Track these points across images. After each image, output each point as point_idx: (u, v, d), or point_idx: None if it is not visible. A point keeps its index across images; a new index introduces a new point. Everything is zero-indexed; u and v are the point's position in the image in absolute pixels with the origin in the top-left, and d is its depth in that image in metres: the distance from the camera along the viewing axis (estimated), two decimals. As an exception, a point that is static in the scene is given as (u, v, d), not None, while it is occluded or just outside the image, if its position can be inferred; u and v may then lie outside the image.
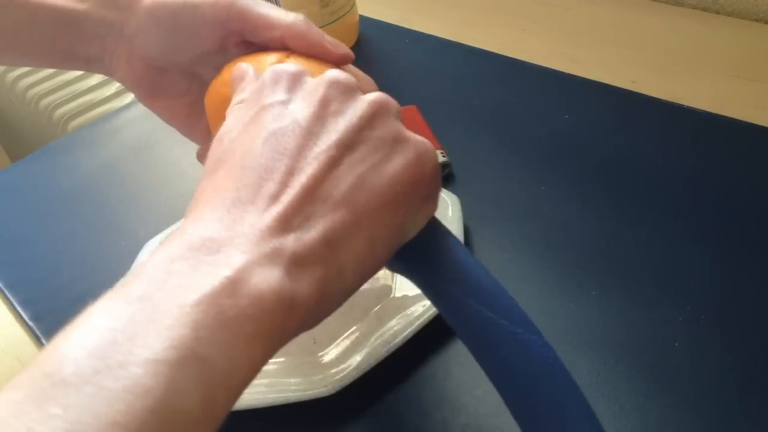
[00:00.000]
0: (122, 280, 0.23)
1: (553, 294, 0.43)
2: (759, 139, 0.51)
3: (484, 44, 0.68)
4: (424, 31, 0.72)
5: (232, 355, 0.21)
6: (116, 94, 0.98)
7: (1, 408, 0.18)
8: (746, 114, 0.53)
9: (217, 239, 0.23)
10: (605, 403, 0.37)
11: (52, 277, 0.53)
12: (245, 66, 0.34)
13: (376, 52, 0.71)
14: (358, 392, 0.39)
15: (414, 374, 0.40)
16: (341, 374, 0.39)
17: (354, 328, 0.41)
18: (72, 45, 0.39)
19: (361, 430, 0.38)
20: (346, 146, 0.27)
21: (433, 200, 0.30)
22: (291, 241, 0.24)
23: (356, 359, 0.39)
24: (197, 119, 0.41)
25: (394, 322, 0.41)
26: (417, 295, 0.42)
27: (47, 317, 0.50)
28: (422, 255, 0.30)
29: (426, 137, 0.55)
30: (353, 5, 0.71)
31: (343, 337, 0.41)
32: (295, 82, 0.29)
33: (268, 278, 0.23)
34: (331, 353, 0.40)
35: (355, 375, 0.39)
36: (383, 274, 0.44)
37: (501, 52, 0.66)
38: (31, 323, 0.49)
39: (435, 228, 0.31)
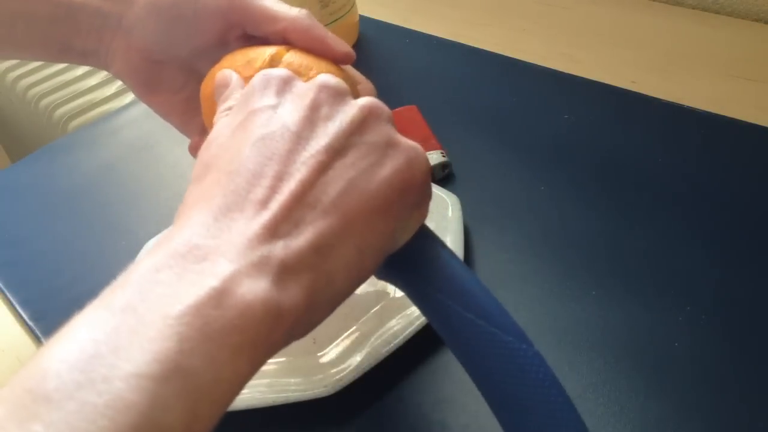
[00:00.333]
0: (109, 287, 0.22)
1: (553, 294, 0.43)
2: (759, 139, 0.51)
3: (484, 44, 0.68)
4: (424, 31, 0.72)
5: (216, 367, 0.20)
6: (116, 94, 0.98)
7: None
8: (746, 114, 0.53)
9: (203, 247, 0.23)
10: (605, 403, 0.37)
11: (52, 277, 0.53)
12: (228, 72, 0.33)
13: (376, 52, 0.71)
14: (358, 392, 0.39)
15: (414, 374, 0.40)
16: (341, 374, 0.39)
17: (354, 328, 0.41)
18: (68, 37, 0.38)
19: (361, 430, 0.38)
20: (336, 151, 0.26)
21: (423, 207, 0.29)
22: (279, 249, 0.23)
23: (356, 359, 0.39)
24: (194, 114, 0.41)
25: (394, 322, 0.41)
26: (417, 295, 0.42)
27: (47, 317, 0.50)
28: (413, 263, 0.29)
29: (426, 137, 0.55)
30: (353, 5, 0.71)
31: (343, 337, 0.41)
32: (284, 86, 0.29)
33: (255, 288, 0.22)
34: (331, 353, 0.40)
35: (355, 375, 0.39)
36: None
37: (501, 52, 0.66)
38: (31, 323, 0.49)
39: (426, 236, 0.30)
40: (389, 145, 0.28)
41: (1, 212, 0.61)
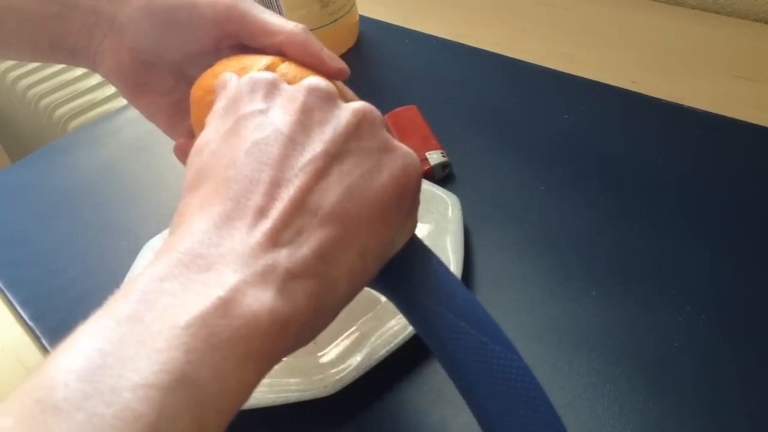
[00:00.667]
0: (113, 296, 0.22)
1: (553, 294, 0.43)
2: (759, 139, 0.51)
3: (484, 44, 0.68)
4: (424, 31, 0.72)
5: (223, 377, 0.20)
6: (116, 94, 0.98)
7: None
8: (746, 114, 0.53)
9: (207, 256, 0.23)
10: (605, 403, 0.37)
11: (52, 277, 0.53)
12: (229, 75, 0.33)
13: (376, 52, 0.71)
14: (358, 392, 0.39)
15: (414, 374, 0.40)
16: (341, 374, 0.39)
17: (354, 328, 0.41)
18: (59, 35, 0.38)
19: (361, 430, 0.38)
20: (333, 156, 0.26)
21: (415, 213, 0.30)
22: (284, 257, 0.23)
23: (356, 359, 0.39)
24: (182, 118, 0.40)
25: (394, 322, 0.41)
26: (417, 295, 0.42)
27: (47, 317, 0.50)
28: (404, 270, 0.29)
29: (426, 137, 0.55)
30: (353, 5, 0.71)
31: (343, 337, 0.41)
32: (272, 89, 0.29)
33: (261, 298, 0.22)
34: (331, 353, 0.40)
35: (355, 375, 0.39)
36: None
37: (501, 52, 0.66)
38: (31, 323, 0.49)
39: (415, 244, 0.30)
40: (385, 150, 0.27)
41: (1, 212, 0.61)
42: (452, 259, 0.43)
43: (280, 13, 0.66)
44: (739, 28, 0.65)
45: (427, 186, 0.49)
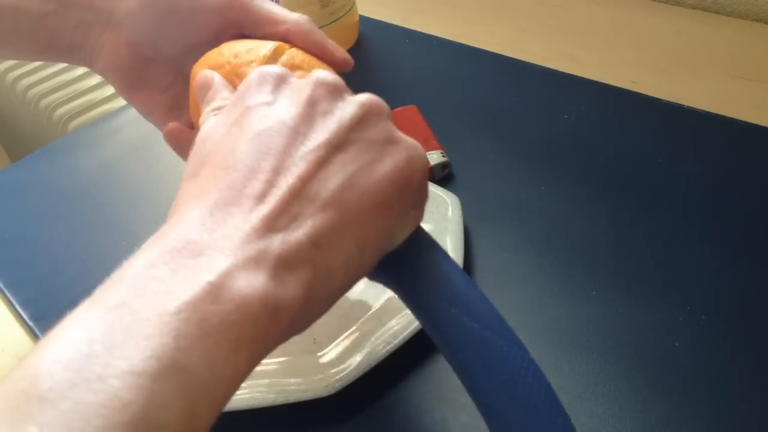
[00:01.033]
0: (102, 285, 0.22)
1: (553, 294, 0.43)
2: (759, 139, 0.51)
3: (484, 44, 0.68)
4: (424, 31, 0.72)
5: (214, 364, 0.20)
6: (116, 94, 0.98)
7: None
8: (746, 114, 0.53)
9: (199, 242, 0.22)
10: (605, 403, 0.37)
11: (52, 277, 0.53)
12: (210, 73, 0.33)
13: (376, 52, 0.71)
14: (358, 392, 0.39)
15: (414, 374, 0.40)
16: (341, 374, 0.39)
17: (354, 328, 0.41)
18: (56, 33, 0.38)
19: (361, 430, 0.38)
20: (336, 146, 0.26)
21: (421, 207, 0.29)
22: (276, 243, 0.23)
23: (356, 359, 0.39)
24: (178, 114, 0.40)
25: (393, 322, 0.41)
26: (417, 295, 0.42)
27: (47, 317, 0.50)
28: (408, 263, 0.29)
29: (426, 137, 0.55)
30: (353, 5, 0.71)
31: (343, 337, 0.41)
32: (280, 83, 0.28)
33: (252, 282, 0.22)
34: (331, 353, 0.40)
35: (355, 375, 0.39)
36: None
37: (501, 52, 0.66)
38: (31, 323, 0.49)
39: (421, 237, 0.30)
40: (389, 142, 0.27)
41: (1, 212, 0.61)
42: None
43: (280, 13, 0.66)
44: (739, 28, 0.65)
45: (427, 186, 0.49)
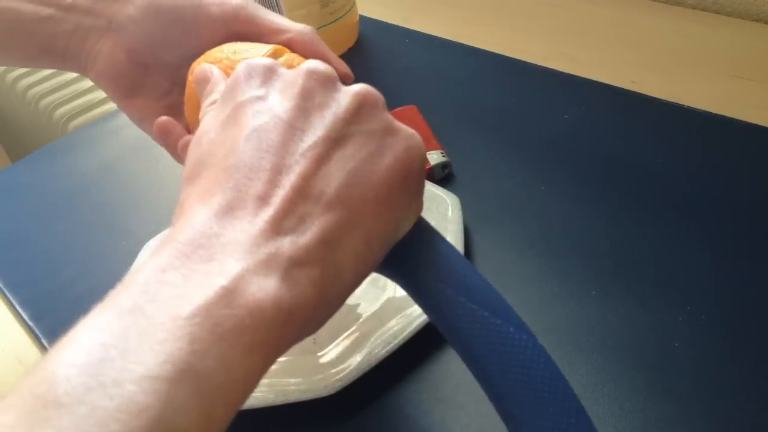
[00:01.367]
0: (114, 289, 0.22)
1: (553, 294, 0.43)
2: (759, 139, 0.51)
3: (484, 44, 0.68)
4: (424, 31, 0.72)
5: (229, 367, 0.20)
6: (116, 94, 0.98)
7: None
8: (746, 114, 0.53)
9: (208, 247, 0.22)
10: (605, 403, 0.37)
11: (52, 277, 0.53)
12: (208, 66, 0.33)
13: (376, 52, 0.71)
14: (358, 392, 0.39)
15: (414, 374, 0.40)
16: (341, 374, 0.38)
17: (354, 328, 0.41)
18: (50, 38, 0.38)
19: (361, 430, 0.38)
20: (335, 141, 0.26)
21: (420, 196, 0.29)
22: (287, 245, 0.23)
23: (356, 359, 0.39)
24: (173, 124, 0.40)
25: (393, 322, 0.41)
26: (417, 295, 0.42)
27: (47, 317, 0.50)
28: (412, 254, 0.29)
29: (426, 137, 0.55)
30: (353, 5, 0.71)
31: (343, 337, 0.41)
32: (269, 74, 0.28)
33: (265, 286, 0.22)
34: (331, 353, 0.40)
35: (355, 375, 0.39)
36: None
37: (501, 52, 0.66)
38: (31, 323, 0.49)
39: (422, 227, 0.30)
40: (387, 133, 0.27)
41: (1, 212, 0.61)
42: (452, 259, 0.43)
43: (280, 12, 0.66)
44: (739, 28, 0.65)
45: (427, 186, 0.49)
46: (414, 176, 0.27)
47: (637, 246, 0.45)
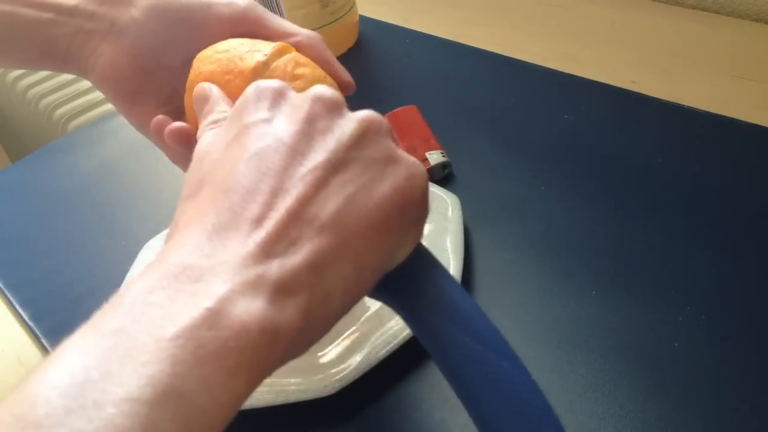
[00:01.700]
0: (100, 309, 0.22)
1: (553, 294, 0.43)
2: (759, 139, 0.51)
3: (484, 44, 0.68)
4: (424, 31, 0.72)
5: (212, 390, 0.20)
6: (116, 94, 0.98)
7: None
8: (746, 114, 0.53)
9: (196, 267, 0.22)
10: (605, 403, 0.37)
11: (52, 277, 0.53)
12: (207, 86, 0.32)
13: (376, 52, 0.71)
14: (358, 392, 0.39)
15: (414, 374, 0.40)
16: (341, 374, 0.39)
17: (354, 328, 0.41)
18: (51, 41, 0.37)
19: (361, 430, 0.38)
20: (335, 166, 0.25)
21: (420, 225, 0.29)
22: (275, 268, 0.23)
23: (356, 359, 0.39)
24: None
25: (393, 322, 0.41)
26: (417, 295, 0.42)
27: (47, 317, 0.50)
28: (408, 283, 0.29)
29: (426, 137, 0.55)
30: (353, 5, 0.71)
31: (343, 337, 0.41)
32: (278, 98, 0.28)
33: (250, 308, 0.21)
34: (331, 353, 0.40)
35: (355, 375, 0.39)
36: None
37: (501, 52, 0.66)
38: (31, 323, 0.49)
39: (421, 256, 0.30)
40: (389, 161, 0.27)
41: (1, 212, 0.61)
42: (452, 259, 0.43)
43: (281, 13, 0.66)
44: (739, 28, 0.65)
45: (427, 186, 0.49)
46: (413, 206, 0.27)
47: (637, 246, 0.45)
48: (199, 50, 0.36)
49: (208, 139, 0.28)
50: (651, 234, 0.45)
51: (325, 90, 0.28)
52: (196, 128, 0.32)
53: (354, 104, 0.38)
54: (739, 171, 0.49)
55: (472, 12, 0.75)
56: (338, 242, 0.24)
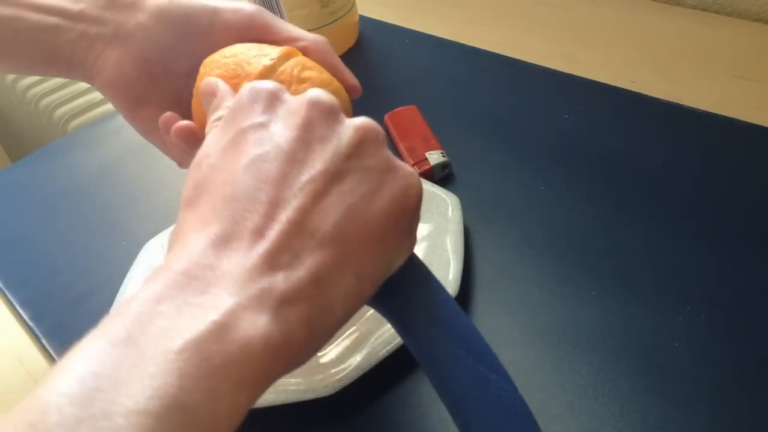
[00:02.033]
0: (108, 316, 0.22)
1: (553, 294, 0.43)
2: (759, 139, 0.51)
3: (484, 44, 0.68)
4: (424, 31, 0.72)
5: (216, 403, 0.20)
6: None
7: None
8: (746, 114, 0.53)
9: (203, 278, 0.22)
10: (605, 403, 0.37)
11: (52, 277, 0.53)
12: (214, 80, 0.33)
13: (376, 52, 0.71)
14: (358, 392, 0.39)
15: (414, 374, 0.40)
16: (341, 374, 0.39)
17: (354, 328, 0.41)
18: (56, 47, 0.37)
19: (361, 430, 0.38)
20: (333, 176, 0.26)
21: (414, 233, 0.29)
22: (280, 281, 0.23)
23: (356, 359, 0.39)
24: None
25: (394, 322, 0.41)
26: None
27: (47, 317, 0.50)
28: (402, 291, 0.29)
29: (426, 137, 0.55)
30: (353, 5, 0.71)
31: (343, 337, 0.41)
32: (273, 100, 0.28)
33: (256, 322, 0.22)
34: (331, 353, 0.40)
35: (355, 375, 0.39)
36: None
37: (501, 52, 0.66)
38: (31, 323, 0.49)
39: (414, 266, 0.30)
40: (386, 170, 0.27)
41: (1, 212, 0.61)
42: (452, 259, 0.43)
43: (281, 13, 0.66)
44: (739, 28, 0.65)
45: (427, 186, 0.49)
46: (409, 215, 0.27)
47: (637, 246, 0.45)
48: (206, 56, 0.36)
49: (206, 140, 0.28)
50: (651, 234, 0.45)
51: (321, 94, 0.28)
52: (203, 130, 0.32)
53: (354, 104, 0.38)
54: (739, 171, 0.49)
55: (472, 12, 0.75)
56: (339, 254, 0.25)
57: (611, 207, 0.48)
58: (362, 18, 0.75)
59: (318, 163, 0.26)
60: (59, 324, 0.49)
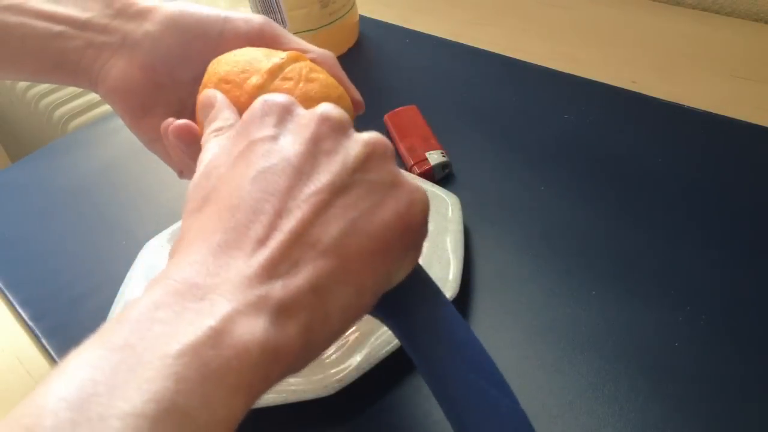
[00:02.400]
0: (108, 322, 0.22)
1: (553, 294, 0.43)
2: (759, 139, 0.51)
3: (484, 44, 0.68)
4: (424, 31, 0.72)
5: (213, 407, 0.20)
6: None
7: None
8: (746, 114, 0.53)
9: (202, 286, 0.23)
10: (605, 403, 0.37)
11: (52, 277, 0.53)
12: (212, 92, 0.33)
13: (376, 52, 0.71)
14: (358, 392, 0.39)
15: (414, 374, 0.40)
16: (341, 374, 0.39)
17: (354, 328, 0.41)
18: (62, 54, 0.37)
19: (361, 430, 0.38)
20: (339, 189, 0.26)
21: (419, 247, 0.29)
22: (277, 289, 0.23)
23: (356, 359, 0.39)
24: None
25: (394, 322, 0.41)
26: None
27: (47, 317, 0.50)
28: (404, 304, 0.29)
29: (426, 137, 0.55)
30: (353, 5, 0.71)
31: (343, 337, 0.41)
32: (285, 114, 0.28)
33: (253, 328, 0.22)
34: (331, 353, 0.40)
35: (355, 375, 0.39)
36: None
37: (501, 52, 0.66)
38: (31, 323, 0.49)
39: (418, 277, 0.30)
40: (392, 185, 0.27)
41: (1, 212, 0.61)
42: (452, 259, 0.43)
43: (280, 12, 0.66)
44: (739, 28, 0.65)
45: (427, 186, 0.49)
46: (413, 231, 0.27)
47: (637, 246, 0.45)
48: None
49: (215, 150, 0.28)
50: (651, 234, 0.45)
51: (332, 109, 0.28)
52: None
53: (354, 104, 0.38)
54: (739, 171, 0.49)
55: (472, 12, 0.75)
56: (339, 265, 0.25)
57: (611, 207, 0.48)
58: (362, 18, 0.75)
59: (324, 176, 0.26)
60: (59, 324, 0.49)
